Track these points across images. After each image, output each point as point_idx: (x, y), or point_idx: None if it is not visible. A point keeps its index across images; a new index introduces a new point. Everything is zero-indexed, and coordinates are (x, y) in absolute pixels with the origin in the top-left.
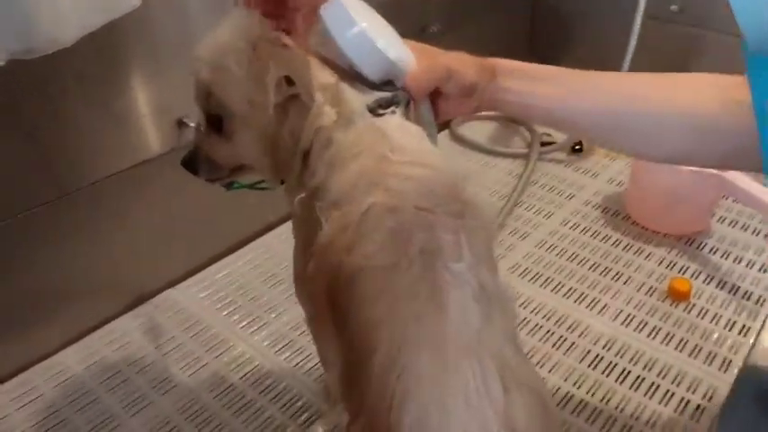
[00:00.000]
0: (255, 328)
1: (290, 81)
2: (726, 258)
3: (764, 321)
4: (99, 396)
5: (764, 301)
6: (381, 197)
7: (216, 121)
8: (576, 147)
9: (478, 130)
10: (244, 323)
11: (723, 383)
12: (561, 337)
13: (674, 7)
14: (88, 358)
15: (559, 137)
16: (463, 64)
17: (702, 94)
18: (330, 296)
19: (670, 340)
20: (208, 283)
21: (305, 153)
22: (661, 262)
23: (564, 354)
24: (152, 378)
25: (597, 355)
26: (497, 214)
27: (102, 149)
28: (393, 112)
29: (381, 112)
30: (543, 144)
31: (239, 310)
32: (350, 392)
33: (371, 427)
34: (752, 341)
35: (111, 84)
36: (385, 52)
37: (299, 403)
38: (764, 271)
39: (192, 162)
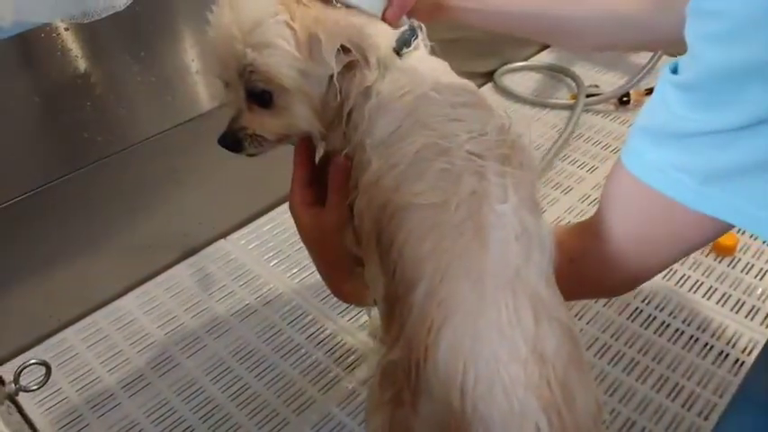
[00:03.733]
0: (303, 277)
1: (345, 49)
2: None
3: None
4: (157, 339)
5: None
6: (432, 138)
7: (262, 97)
8: (624, 98)
9: (522, 82)
10: (291, 272)
11: (764, 338)
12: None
13: None
14: (147, 304)
15: (606, 88)
16: None
17: None
18: (377, 232)
19: (712, 294)
20: (256, 234)
21: (349, 111)
22: None
23: (603, 306)
24: (206, 323)
25: (637, 308)
26: (539, 163)
27: (157, 107)
28: (416, 48)
29: (406, 51)
30: (589, 96)
31: (286, 261)
32: (390, 322)
33: (409, 349)
34: None
35: (163, 44)
36: None
37: (344, 348)
38: None
39: (234, 141)
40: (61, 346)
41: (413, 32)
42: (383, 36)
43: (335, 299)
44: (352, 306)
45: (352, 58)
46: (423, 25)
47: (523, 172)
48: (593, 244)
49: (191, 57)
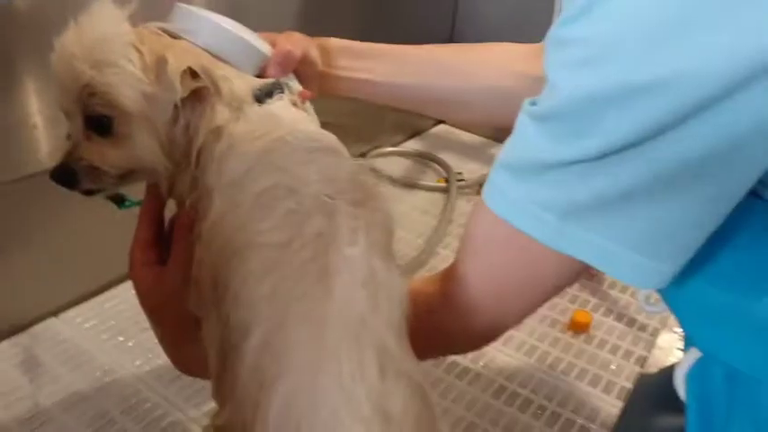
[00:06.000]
0: (146, 359)
1: (194, 73)
2: (623, 293)
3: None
4: None
5: (658, 332)
6: (282, 178)
7: (101, 123)
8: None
9: (391, 166)
10: (135, 356)
11: (619, 410)
12: (466, 368)
13: None
14: None
15: (469, 175)
16: (306, 41)
17: (501, 69)
18: (213, 276)
19: (571, 370)
20: (96, 312)
21: (198, 150)
22: (564, 296)
23: (468, 384)
24: (22, 413)
25: (501, 386)
26: (419, 254)
27: None
28: (280, 99)
29: (268, 100)
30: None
31: (128, 341)
32: (222, 379)
33: (239, 409)
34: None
35: None
36: (255, 44)
37: None
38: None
39: (66, 173)
40: None
41: (278, 86)
42: (242, 80)
43: (182, 383)
44: (202, 390)
45: (200, 83)
46: (290, 83)
47: (377, 215)
48: (453, 289)
49: (30, 108)
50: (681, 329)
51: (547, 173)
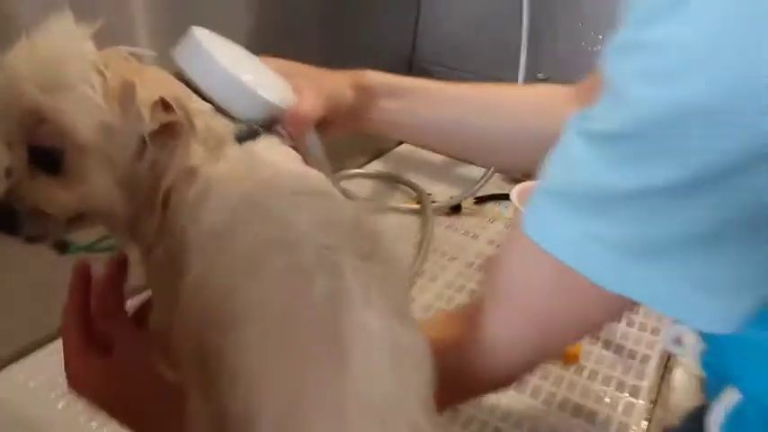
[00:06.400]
0: (102, 419)
1: (166, 105)
2: None
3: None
4: None
5: (648, 358)
6: (273, 229)
7: (49, 157)
8: (455, 206)
9: (357, 188)
10: (90, 415)
11: None
12: (456, 410)
13: (540, 75)
14: None
15: (439, 196)
16: (339, 85)
17: (546, 114)
18: (201, 353)
19: (566, 405)
20: (41, 367)
21: (167, 192)
22: None
23: (462, 428)
24: None
25: (496, 427)
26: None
27: None
28: (266, 139)
29: (250, 140)
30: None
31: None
32: None
33: None
34: (644, 402)
35: None
36: (260, 92)
37: None
38: (642, 329)
39: (6, 217)
40: None
41: (265, 128)
42: (222, 120)
43: None
44: None
45: (172, 117)
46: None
47: (388, 270)
48: (485, 334)
49: None
50: (705, 371)
51: (609, 204)
